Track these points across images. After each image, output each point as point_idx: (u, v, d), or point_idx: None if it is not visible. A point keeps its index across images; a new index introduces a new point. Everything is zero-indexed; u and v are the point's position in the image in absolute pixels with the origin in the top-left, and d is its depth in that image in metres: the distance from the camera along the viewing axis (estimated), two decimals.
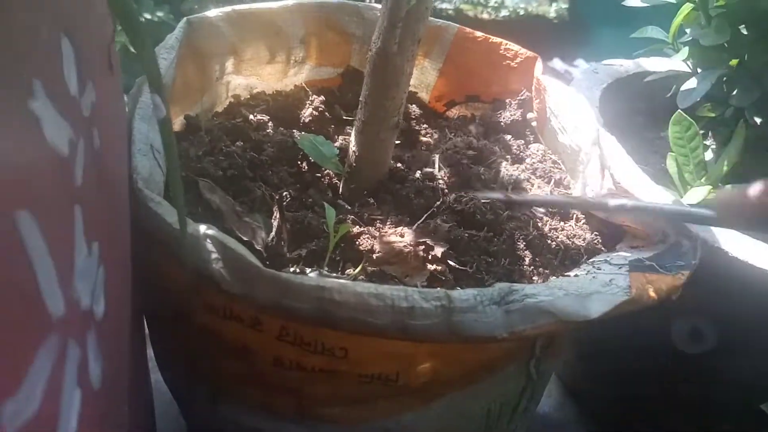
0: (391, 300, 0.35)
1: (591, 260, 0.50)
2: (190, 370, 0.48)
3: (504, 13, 2.13)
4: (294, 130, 0.62)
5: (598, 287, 0.40)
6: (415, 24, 0.50)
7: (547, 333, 0.37)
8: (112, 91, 0.39)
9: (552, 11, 2.12)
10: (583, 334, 0.75)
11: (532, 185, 0.61)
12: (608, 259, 0.48)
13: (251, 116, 0.62)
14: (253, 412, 0.48)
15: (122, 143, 0.41)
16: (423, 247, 0.48)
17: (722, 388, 0.66)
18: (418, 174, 0.62)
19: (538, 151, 0.66)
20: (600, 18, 1.87)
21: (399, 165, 0.61)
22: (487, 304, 0.36)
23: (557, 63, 1.87)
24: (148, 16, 1.37)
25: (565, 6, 2.11)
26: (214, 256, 0.37)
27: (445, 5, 2.08)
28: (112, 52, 0.39)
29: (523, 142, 0.67)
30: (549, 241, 0.53)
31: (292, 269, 0.48)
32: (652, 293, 0.39)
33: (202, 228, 0.38)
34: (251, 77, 0.67)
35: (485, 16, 2.14)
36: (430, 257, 0.48)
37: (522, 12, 2.12)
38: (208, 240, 0.37)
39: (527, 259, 0.51)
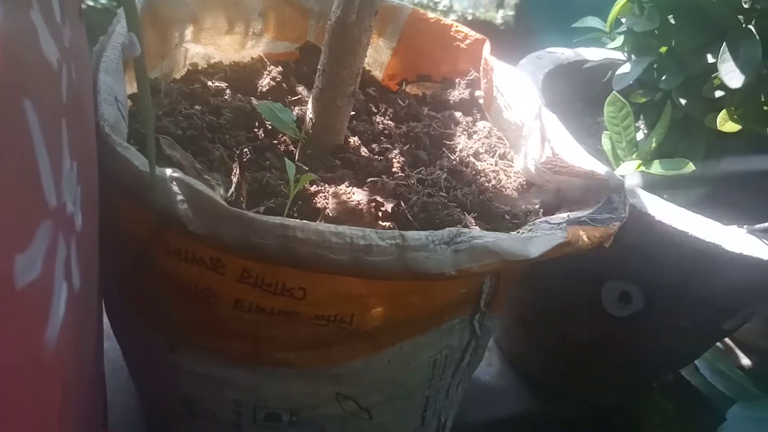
0: (350, 238, 0.38)
1: (533, 221, 0.54)
2: (146, 318, 0.49)
3: (452, 17, 2.19)
4: (252, 98, 0.63)
5: (539, 235, 0.44)
6: None
7: (491, 271, 0.41)
8: (81, 38, 0.40)
9: (499, 17, 2.18)
10: (523, 302, 0.79)
11: (482, 160, 0.65)
12: (548, 219, 0.52)
13: (209, 83, 0.63)
14: (209, 358, 0.49)
15: (89, 90, 0.42)
16: (374, 204, 0.51)
17: (650, 349, 0.72)
18: (374, 146, 0.65)
19: (484, 127, 0.70)
20: (545, 24, 1.94)
21: (354, 137, 0.64)
22: (437, 244, 0.39)
23: None
24: (90, 3, 1.35)
25: (511, 13, 2.19)
26: (180, 197, 0.39)
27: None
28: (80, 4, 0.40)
29: (471, 119, 0.71)
30: (495, 203, 0.57)
31: None
32: (586, 239, 0.43)
33: (169, 171, 0.39)
34: (209, 47, 0.68)
35: None
36: (380, 214, 0.51)
37: (470, 17, 2.18)
38: (175, 182, 0.39)
39: (472, 219, 0.55)
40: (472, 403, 0.84)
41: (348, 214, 0.52)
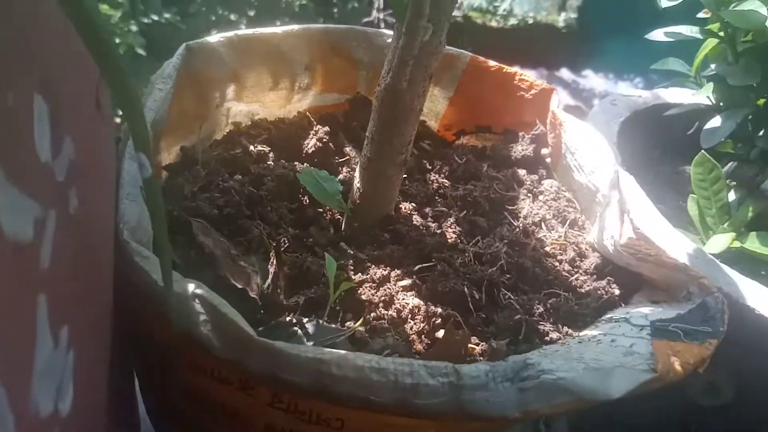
0: (394, 375, 0.32)
1: (610, 316, 0.47)
2: (176, 426, 0.45)
3: (512, 21, 2.11)
4: (296, 162, 0.59)
5: (619, 357, 0.37)
6: (427, 59, 0.47)
7: (563, 412, 0.34)
8: (97, 133, 0.36)
9: (561, 20, 2.09)
10: None
11: (549, 227, 0.58)
12: (628, 317, 0.44)
13: (251, 147, 0.59)
14: None
15: (108, 190, 0.38)
16: (421, 316, 0.46)
17: None
18: (427, 210, 0.59)
19: (551, 187, 0.63)
20: (609, 28, 1.84)
21: (406, 203, 0.58)
22: (499, 381, 0.33)
23: (565, 73, 1.84)
24: (155, 18, 1.34)
25: (574, 15, 2.09)
26: (203, 318, 0.34)
27: (453, 13, 2.07)
28: (101, 90, 0.36)
29: (536, 177, 0.64)
30: (562, 290, 0.50)
31: (288, 318, 0.45)
32: (678, 367, 0.36)
33: (191, 287, 0.35)
34: (253, 104, 0.64)
35: (494, 23, 2.11)
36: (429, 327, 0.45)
37: (531, 21, 2.10)
38: (197, 300, 0.34)
39: (538, 304, 0.48)
40: None
41: (398, 324, 0.46)
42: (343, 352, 0.33)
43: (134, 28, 1.11)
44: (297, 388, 0.33)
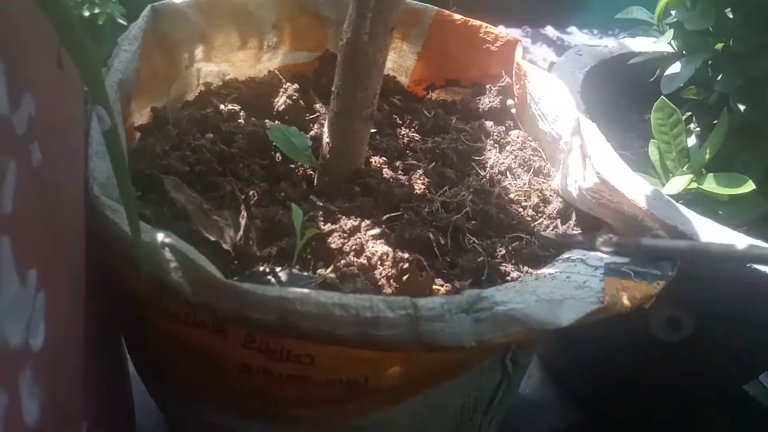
0: (355, 310, 0.34)
1: (567, 256, 0.49)
2: (160, 373, 0.47)
3: None
4: (267, 120, 0.60)
5: (571, 290, 0.39)
6: (387, 11, 0.48)
7: (516, 341, 0.36)
8: (61, 92, 0.37)
9: None
10: None
11: (515, 176, 0.60)
12: (584, 258, 0.47)
13: (222, 106, 0.60)
14: (223, 412, 0.47)
15: (76, 146, 0.39)
16: (390, 262, 0.47)
17: (699, 373, 0.66)
18: (398, 164, 0.61)
19: (518, 137, 0.64)
20: None
21: (376, 156, 0.59)
22: (454, 313, 0.35)
23: (550, 30, 1.83)
24: None
25: None
26: (173, 265, 0.36)
27: None
28: (62, 51, 0.37)
29: (503, 128, 0.66)
30: (526, 233, 0.52)
31: (261, 268, 0.47)
32: (625, 301, 0.38)
33: (160, 236, 0.36)
34: (223, 64, 0.64)
35: None
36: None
37: None
38: (167, 249, 0.36)
39: (501, 247, 0.50)
40: (511, 416, 0.81)
41: (367, 270, 0.48)
42: (306, 290, 0.35)
43: None
44: (265, 327, 0.35)
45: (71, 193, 0.35)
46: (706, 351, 0.63)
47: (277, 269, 0.47)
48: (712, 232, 0.54)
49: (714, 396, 0.79)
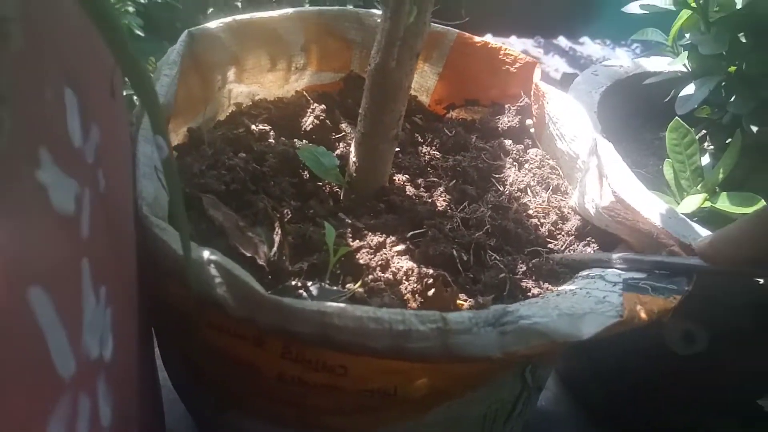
0: (388, 324, 0.37)
1: (587, 273, 0.51)
2: (197, 380, 0.50)
3: None
4: (295, 140, 0.63)
5: (591, 305, 0.41)
6: (413, 40, 0.51)
7: (540, 353, 0.39)
8: (114, 119, 0.40)
9: None
10: None
11: (533, 193, 0.62)
12: (603, 274, 0.49)
13: (253, 126, 0.63)
14: (258, 420, 0.49)
15: (126, 169, 0.42)
16: (415, 278, 0.50)
17: (716, 386, 0.68)
18: (420, 181, 0.63)
19: (536, 156, 0.66)
20: None
21: (399, 174, 0.62)
22: (482, 326, 0.37)
23: (562, 40, 1.84)
24: None
25: None
26: (218, 281, 0.38)
27: None
28: (114, 79, 0.40)
29: (521, 147, 0.68)
30: (545, 250, 0.54)
31: (293, 282, 0.50)
32: (643, 315, 0.40)
33: (206, 253, 0.39)
34: (253, 85, 0.67)
35: None
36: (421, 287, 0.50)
37: None
38: (212, 265, 0.38)
39: (522, 264, 0.52)
40: (529, 428, 0.82)
41: (394, 285, 0.50)
42: (343, 305, 0.37)
43: (131, 8, 1.13)
44: (304, 339, 0.37)
45: (125, 214, 0.37)
46: (721, 365, 0.65)
47: (309, 284, 0.49)
48: None
49: (733, 409, 0.80)
